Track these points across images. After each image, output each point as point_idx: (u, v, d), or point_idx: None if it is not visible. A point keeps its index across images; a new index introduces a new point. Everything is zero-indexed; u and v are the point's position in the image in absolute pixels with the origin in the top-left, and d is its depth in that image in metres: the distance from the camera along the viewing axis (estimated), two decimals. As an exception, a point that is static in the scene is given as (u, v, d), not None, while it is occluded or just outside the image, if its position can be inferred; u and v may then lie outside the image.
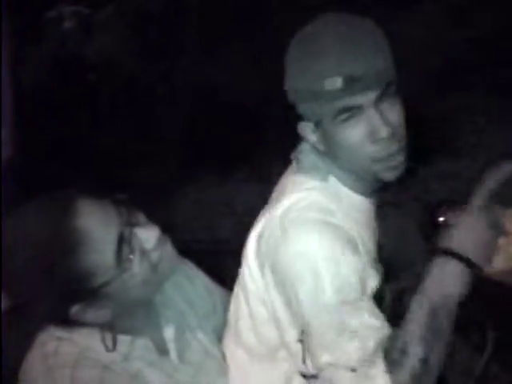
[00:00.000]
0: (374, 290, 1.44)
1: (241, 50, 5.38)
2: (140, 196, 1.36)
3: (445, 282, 1.33)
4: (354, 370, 1.29)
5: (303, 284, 1.32)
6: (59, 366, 1.25)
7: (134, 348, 1.32)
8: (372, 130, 1.35)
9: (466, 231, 1.42)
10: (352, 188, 1.48)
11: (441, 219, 3.62)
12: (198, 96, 5.32)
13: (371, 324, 1.32)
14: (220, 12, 5.58)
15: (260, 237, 1.43)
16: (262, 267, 1.41)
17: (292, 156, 1.53)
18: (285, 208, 1.41)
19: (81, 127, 4.98)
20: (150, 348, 1.35)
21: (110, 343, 1.28)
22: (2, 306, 1.34)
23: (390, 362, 1.30)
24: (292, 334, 1.38)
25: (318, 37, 1.34)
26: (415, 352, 1.30)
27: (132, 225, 1.28)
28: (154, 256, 1.29)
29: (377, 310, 1.37)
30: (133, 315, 1.36)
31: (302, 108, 1.42)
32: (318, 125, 1.40)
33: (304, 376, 1.39)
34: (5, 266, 1.22)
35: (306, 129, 1.45)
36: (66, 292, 1.22)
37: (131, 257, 1.25)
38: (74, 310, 1.24)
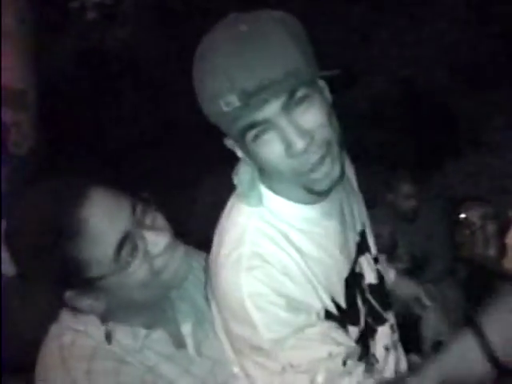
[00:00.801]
0: (333, 302, 1.38)
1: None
2: (162, 186, 1.35)
3: (464, 365, 1.17)
4: None
5: (237, 326, 1.30)
6: (75, 358, 1.25)
7: (150, 341, 1.32)
8: (287, 144, 1.22)
9: (505, 319, 1.15)
10: (292, 199, 1.38)
11: (463, 216, 3.61)
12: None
13: (318, 356, 1.27)
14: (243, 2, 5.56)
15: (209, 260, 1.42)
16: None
17: (234, 178, 1.43)
18: (221, 238, 1.37)
19: (103, 118, 4.99)
20: (167, 341, 1.35)
21: (105, 335, 1.29)
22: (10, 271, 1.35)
23: None
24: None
25: (207, 55, 1.24)
26: None
27: (143, 226, 1.27)
28: (159, 262, 1.28)
29: (332, 332, 1.31)
30: (148, 309, 1.36)
31: (221, 128, 1.31)
32: (237, 142, 1.31)
33: None
34: (12, 235, 1.25)
35: (232, 146, 1.35)
36: (60, 275, 1.23)
37: (129, 259, 1.23)
38: (69, 295, 1.25)
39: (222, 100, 1.19)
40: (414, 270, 3.62)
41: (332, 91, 1.36)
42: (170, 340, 1.36)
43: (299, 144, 1.21)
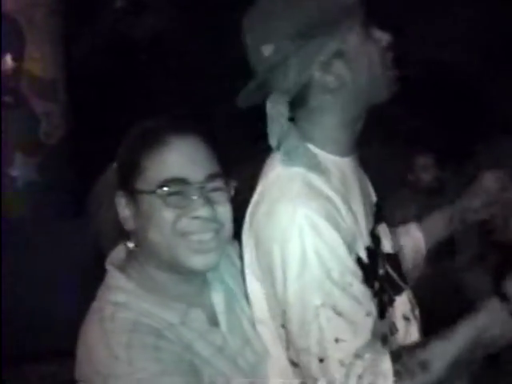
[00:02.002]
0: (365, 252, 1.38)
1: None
2: None
3: (495, 324, 1.23)
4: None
5: (287, 260, 1.29)
6: (115, 331, 1.26)
7: (188, 318, 1.33)
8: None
9: None
10: (329, 150, 1.40)
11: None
12: (247, 73, 5.28)
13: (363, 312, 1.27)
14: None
15: (249, 219, 1.40)
16: (250, 244, 1.38)
17: (269, 139, 1.45)
18: (269, 187, 1.37)
19: (133, 107, 5.02)
20: (202, 319, 1.36)
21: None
22: None
23: (405, 370, 1.25)
24: (278, 319, 1.34)
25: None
26: (436, 373, 1.24)
27: (201, 190, 1.32)
28: (185, 224, 1.30)
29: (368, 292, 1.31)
30: (188, 282, 1.38)
31: (318, 42, 1.34)
32: (325, 65, 1.33)
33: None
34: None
35: (289, 89, 1.38)
36: (122, 172, 1.32)
37: (163, 191, 1.29)
38: (119, 194, 1.31)
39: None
40: (442, 255, 3.59)
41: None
42: (205, 318, 1.37)
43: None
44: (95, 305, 1.33)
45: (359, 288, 1.31)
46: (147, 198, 1.29)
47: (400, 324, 1.49)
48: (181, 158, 1.31)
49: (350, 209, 1.38)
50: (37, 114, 3.32)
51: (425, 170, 3.74)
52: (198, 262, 1.33)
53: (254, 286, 1.43)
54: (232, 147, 4.59)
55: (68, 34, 3.51)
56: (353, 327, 1.25)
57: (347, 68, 1.34)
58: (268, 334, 1.44)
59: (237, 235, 1.42)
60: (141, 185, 1.28)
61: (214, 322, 1.38)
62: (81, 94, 3.67)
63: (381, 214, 1.56)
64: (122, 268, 1.38)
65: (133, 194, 1.30)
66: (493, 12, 5.23)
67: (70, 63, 3.50)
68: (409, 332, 1.49)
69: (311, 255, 1.27)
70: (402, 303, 1.53)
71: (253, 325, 1.46)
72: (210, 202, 1.31)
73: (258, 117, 1.36)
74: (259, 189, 1.41)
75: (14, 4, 3.22)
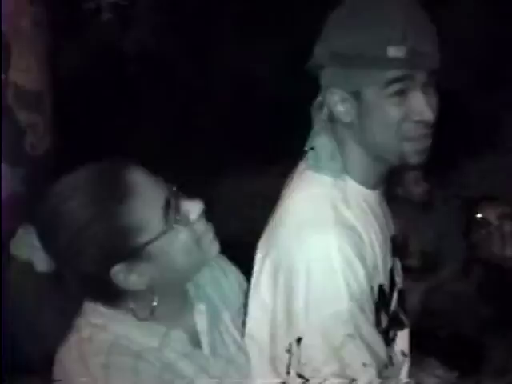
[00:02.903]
0: (377, 287, 1.41)
1: (279, 42, 5.36)
2: (178, 186, 1.37)
3: None
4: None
5: (318, 289, 1.30)
6: (93, 352, 1.26)
7: (169, 339, 1.33)
8: (416, 111, 1.35)
9: None
10: (362, 181, 1.43)
11: (479, 215, 3.59)
12: (236, 88, 5.32)
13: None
14: (258, 4, 5.57)
15: (271, 232, 1.42)
16: (271, 267, 1.39)
17: (306, 146, 1.47)
18: (298, 207, 1.39)
19: (119, 119, 5.01)
20: (184, 340, 1.36)
21: (147, 312, 1.30)
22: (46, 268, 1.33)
23: None
24: (282, 342, 1.34)
25: (388, 5, 1.34)
26: None
27: (177, 197, 1.31)
28: (198, 227, 1.31)
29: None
30: (168, 303, 1.37)
31: (334, 74, 1.38)
32: (355, 94, 1.36)
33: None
34: (56, 210, 1.25)
35: (333, 97, 1.40)
36: (111, 245, 1.23)
37: (178, 218, 1.27)
38: (116, 269, 1.24)
39: (390, 47, 1.30)
40: (426, 269, 3.60)
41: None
42: (187, 339, 1.37)
43: (429, 115, 1.35)
44: (75, 324, 1.32)
45: (373, 318, 1.36)
46: (159, 242, 1.28)
47: (396, 359, 1.51)
48: (151, 185, 1.30)
49: (370, 242, 1.38)
50: (22, 125, 3.30)
51: (416, 183, 3.77)
52: (215, 248, 1.40)
53: (257, 306, 1.42)
54: (219, 160, 4.60)
55: (55, 45, 3.50)
56: (374, 353, 1.29)
57: (358, 111, 1.35)
58: (256, 352, 1.43)
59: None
60: (144, 238, 1.27)
61: (196, 342, 1.37)
62: (67, 106, 3.66)
63: (396, 249, 1.57)
64: None
65: (136, 253, 1.28)
66: (477, 27, 5.29)
67: (56, 75, 3.48)
68: (403, 367, 1.52)
69: (342, 287, 1.29)
70: (402, 338, 1.56)
71: (238, 345, 1.44)
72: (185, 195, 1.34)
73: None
74: (285, 204, 1.42)
75: (-1, 15, 3.20)
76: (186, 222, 1.29)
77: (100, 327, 1.29)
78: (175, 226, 1.27)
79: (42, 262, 1.30)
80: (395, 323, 1.52)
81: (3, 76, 3.17)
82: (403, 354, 1.54)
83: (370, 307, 1.35)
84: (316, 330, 1.28)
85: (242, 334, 1.47)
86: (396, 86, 1.33)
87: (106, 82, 5.29)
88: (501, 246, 3.31)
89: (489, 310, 3.23)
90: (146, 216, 1.24)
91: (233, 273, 1.60)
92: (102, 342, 1.27)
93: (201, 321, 1.41)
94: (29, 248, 1.30)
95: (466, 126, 4.81)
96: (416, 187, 3.73)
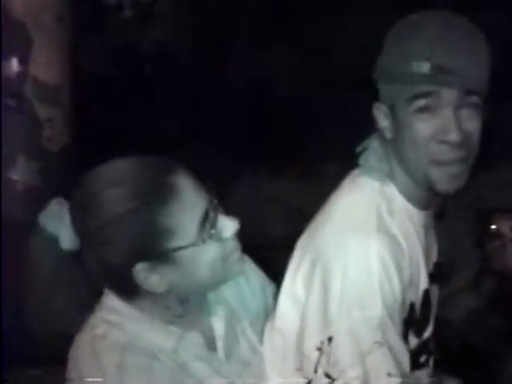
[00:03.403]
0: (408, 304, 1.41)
1: (296, 44, 5.36)
2: (219, 200, 1.39)
3: None
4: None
5: (353, 292, 1.30)
6: (107, 350, 1.26)
7: (184, 341, 1.32)
8: (443, 130, 1.33)
9: None
10: (408, 197, 1.44)
11: (493, 227, 3.57)
12: (251, 90, 5.32)
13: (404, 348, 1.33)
14: (275, 6, 5.56)
15: (313, 231, 1.42)
16: (304, 264, 1.40)
17: (359, 148, 1.49)
18: (343, 209, 1.39)
19: (137, 116, 5.02)
20: (200, 343, 1.35)
21: (162, 315, 1.31)
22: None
23: None
24: (313, 340, 1.34)
25: (419, 23, 1.35)
26: None
27: (216, 210, 1.31)
28: (228, 246, 1.31)
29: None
30: (186, 306, 1.37)
31: (382, 88, 1.41)
32: (391, 109, 1.39)
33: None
34: (96, 194, 1.24)
35: (380, 111, 1.43)
36: (140, 242, 1.23)
37: (212, 232, 1.27)
38: (140, 267, 1.24)
39: (415, 61, 1.30)
40: (438, 279, 3.58)
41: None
42: (203, 342, 1.36)
43: (455, 135, 1.32)
44: (90, 321, 1.31)
45: (400, 328, 1.35)
46: (188, 250, 1.28)
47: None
48: (195, 192, 1.30)
49: (410, 256, 1.38)
50: (40, 119, 3.31)
51: None
52: (241, 267, 1.41)
53: (289, 302, 1.43)
54: (233, 162, 4.60)
55: (75, 40, 3.51)
56: (399, 364, 1.29)
57: (394, 128, 1.38)
58: (281, 347, 1.43)
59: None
60: (175, 243, 1.27)
61: (212, 345, 1.37)
62: (85, 102, 3.68)
63: (437, 276, 1.58)
64: None
65: (163, 256, 1.28)
66: (494, 37, 5.26)
67: (75, 70, 3.50)
68: None
69: (376, 293, 1.29)
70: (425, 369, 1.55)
71: (254, 349, 1.43)
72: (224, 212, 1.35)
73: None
74: (330, 205, 1.43)
75: (22, 7, 3.21)
76: (219, 238, 1.29)
77: (115, 325, 1.29)
78: (208, 240, 1.27)
79: (67, 239, 1.29)
80: (425, 350, 1.51)
81: (21, 68, 3.19)
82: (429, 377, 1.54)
83: (399, 319, 1.35)
84: (346, 332, 1.29)
85: (260, 339, 1.47)
86: (421, 102, 1.32)
87: (124, 79, 5.30)
88: (514, 259, 3.30)
89: (501, 322, 3.22)
90: (182, 223, 1.24)
91: (256, 275, 1.59)
92: (116, 340, 1.26)
93: (218, 325, 1.40)
94: (58, 222, 1.28)
95: (482, 137, 4.79)
96: None
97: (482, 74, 1.33)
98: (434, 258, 1.57)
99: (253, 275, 1.58)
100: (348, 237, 1.34)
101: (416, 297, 1.44)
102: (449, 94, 1.31)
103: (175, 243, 1.24)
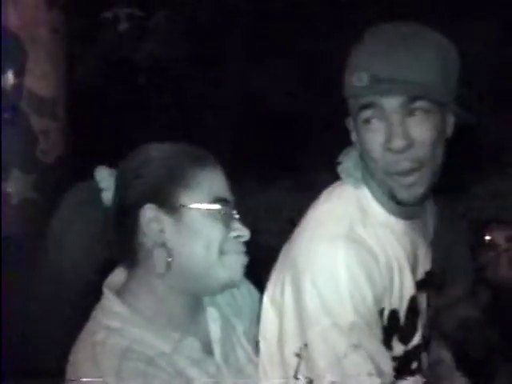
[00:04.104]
0: (388, 313, 1.41)
1: (290, 58, 5.39)
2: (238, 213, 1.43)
3: None
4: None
5: (322, 299, 1.32)
6: (106, 356, 1.27)
7: (181, 346, 1.33)
8: (388, 138, 1.33)
9: None
10: (385, 207, 1.44)
11: (487, 238, 3.58)
12: (245, 102, 5.34)
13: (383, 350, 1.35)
14: (269, 21, 5.60)
15: (292, 239, 1.44)
16: (282, 271, 1.42)
17: (340, 157, 1.51)
18: (317, 218, 1.43)
19: (131, 128, 5.03)
20: (197, 347, 1.36)
21: (163, 267, 1.33)
22: None
23: None
24: (291, 347, 1.36)
25: (366, 36, 1.37)
26: None
27: (233, 214, 1.40)
28: (231, 245, 1.36)
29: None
30: (183, 309, 1.39)
31: (347, 102, 1.43)
32: (353, 122, 1.41)
33: None
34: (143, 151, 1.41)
35: (349, 126, 1.45)
36: (160, 182, 1.34)
37: (219, 209, 1.35)
38: (148, 207, 1.32)
39: (356, 74, 1.32)
40: (429, 287, 3.58)
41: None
42: (200, 346, 1.37)
43: (399, 142, 1.31)
44: (88, 327, 1.33)
45: (379, 333, 1.36)
46: (194, 214, 1.33)
47: None
48: (223, 181, 1.38)
49: (388, 265, 1.39)
50: (35, 131, 3.32)
51: None
52: (236, 275, 1.39)
53: (269, 308, 1.44)
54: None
55: (70, 53, 3.53)
56: (379, 367, 1.30)
57: (357, 140, 1.40)
58: (267, 353, 1.44)
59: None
60: (188, 200, 1.32)
61: (208, 350, 1.38)
62: (80, 114, 3.68)
63: (427, 284, 1.57)
64: (118, 292, 1.38)
65: (172, 208, 1.32)
66: (485, 47, 5.30)
67: (70, 83, 3.51)
68: None
69: (346, 301, 1.31)
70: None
71: (249, 357, 1.45)
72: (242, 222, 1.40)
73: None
74: (310, 212, 1.45)
75: (17, 20, 3.23)
76: (226, 229, 1.35)
77: (115, 330, 1.30)
78: (217, 213, 1.34)
79: (108, 196, 1.39)
80: (416, 357, 1.51)
81: (17, 80, 3.20)
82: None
83: (377, 324, 1.36)
84: (319, 339, 1.30)
85: (255, 347, 1.47)
86: (366, 113, 1.34)
87: (119, 92, 5.31)
88: (509, 269, 3.30)
89: (496, 333, 3.22)
90: (204, 186, 1.33)
91: (245, 285, 1.61)
92: (115, 345, 1.28)
93: (214, 329, 1.42)
94: (106, 176, 1.40)
95: (476, 148, 4.82)
96: None
97: (426, 79, 1.31)
98: (427, 266, 1.57)
99: (242, 286, 1.60)
100: (317, 246, 1.36)
101: (399, 304, 1.44)
102: (391, 103, 1.31)
103: (186, 200, 1.32)
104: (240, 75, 5.49)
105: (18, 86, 3.28)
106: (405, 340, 1.45)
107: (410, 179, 1.35)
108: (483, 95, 4.87)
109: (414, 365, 1.49)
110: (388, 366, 1.33)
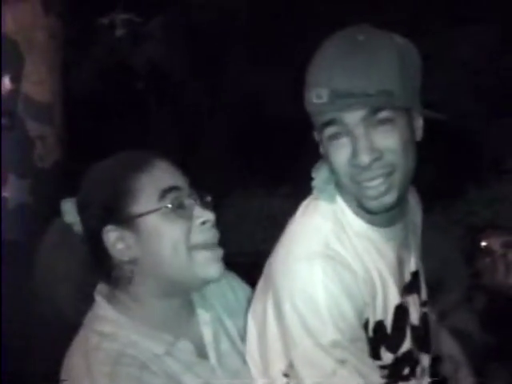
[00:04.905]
0: (373, 324, 1.41)
1: (288, 63, 5.40)
2: (213, 197, 1.42)
3: None
4: None
5: (302, 320, 1.31)
6: (99, 361, 1.27)
7: (175, 349, 1.34)
8: (353, 154, 1.30)
9: None
10: (361, 217, 1.42)
11: (484, 244, 3.59)
12: (244, 108, 5.35)
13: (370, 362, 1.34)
14: (268, 26, 5.60)
15: (272, 254, 1.44)
16: (263, 289, 1.42)
17: (312, 172, 1.50)
18: (292, 234, 1.42)
19: (128, 133, 5.04)
20: (190, 350, 1.37)
21: (125, 280, 1.35)
22: None
23: None
24: (277, 366, 1.35)
25: (322, 49, 1.34)
26: None
27: (196, 199, 1.37)
28: (197, 236, 1.35)
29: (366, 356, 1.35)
30: (173, 312, 1.39)
31: (311, 117, 1.41)
32: (319, 137, 1.39)
33: None
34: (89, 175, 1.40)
35: (317, 136, 1.43)
36: (108, 203, 1.33)
37: (169, 206, 1.32)
38: (108, 229, 1.32)
39: (314, 91, 1.30)
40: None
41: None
42: (193, 350, 1.37)
43: (364, 158, 1.28)
44: (81, 333, 1.33)
45: (365, 346, 1.35)
46: (150, 220, 1.31)
47: None
48: (168, 172, 1.36)
49: (368, 279, 1.38)
50: (31, 136, 3.31)
51: None
52: (214, 270, 1.36)
53: (254, 328, 1.44)
54: (224, 178, 4.61)
55: (67, 59, 3.53)
56: (367, 379, 1.29)
57: (326, 155, 1.37)
58: (256, 372, 1.44)
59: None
60: (138, 208, 1.30)
61: (202, 353, 1.39)
62: (77, 120, 3.69)
63: (415, 285, 1.56)
64: (110, 298, 1.38)
65: (128, 222, 1.29)
66: (485, 53, 5.31)
67: (67, 88, 3.51)
68: None
69: (326, 320, 1.29)
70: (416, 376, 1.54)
71: (243, 360, 1.46)
72: (206, 206, 1.37)
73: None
74: (287, 228, 1.44)
75: (13, 25, 3.23)
76: (186, 222, 1.33)
77: (107, 336, 1.30)
78: (167, 207, 1.31)
79: (78, 228, 1.39)
80: (407, 362, 1.51)
81: (14, 86, 3.19)
82: None
83: (360, 336, 1.35)
84: (303, 359, 1.30)
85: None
86: (329, 130, 1.32)
87: (116, 97, 5.32)
88: (505, 275, 3.31)
89: (491, 339, 3.22)
90: (146, 189, 1.31)
91: (242, 290, 1.61)
92: (109, 351, 1.28)
93: (207, 331, 1.42)
94: (70, 213, 1.39)
95: (472, 154, 4.82)
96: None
97: (386, 88, 1.27)
98: (412, 268, 1.57)
99: (239, 290, 1.60)
100: (293, 264, 1.35)
101: (384, 315, 1.43)
102: (352, 117, 1.28)
103: (137, 209, 1.31)
104: (239, 81, 5.50)
105: (15, 92, 3.27)
106: (393, 348, 1.45)
107: (382, 187, 1.32)
108: (482, 101, 4.89)
109: (406, 370, 1.49)
110: (376, 377, 1.32)
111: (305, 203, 1.49)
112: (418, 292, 1.59)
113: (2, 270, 2.86)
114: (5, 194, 3.15)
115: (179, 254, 1.33)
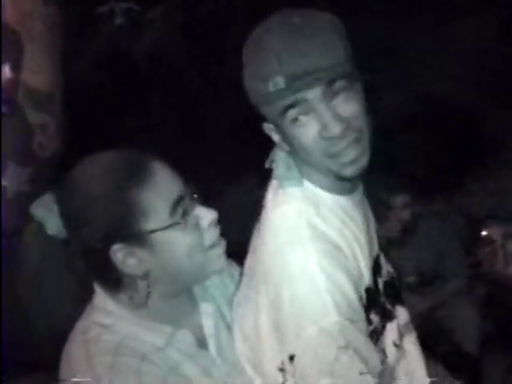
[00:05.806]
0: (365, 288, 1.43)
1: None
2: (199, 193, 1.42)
3: None
4: None
5: (305, 306, 1.31)
6: (100, 353, 1.27)
7: (175, 340, 1.34)
8: (323, 127, 1.33)
9: None
10: (326, 188, 1.45)
11: (484, 233, 3.60)
12: (243, 98, 5.31)
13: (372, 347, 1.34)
14: (267, 14, 5.58)
15: (253, 253, 1.44)
16: (256, 286, 1.41)
17: (267, 163, 1.53)
18: (274, 225, 1.42)
19: (129, 123, 5.03)
20: (191, 341, 1.37)
21: (143, 298, 1.31)
22: None
23: None
24: (273, 363, 1.35)
25: (262, 39, 1.37)
26: None
27: (193, 200, 1.35)
28: (208, 236, 1.34)
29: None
30: (174, 304, 1.39)
31: (261, 110, 1.43)
32: (276, 126, 1.41)
33: None
34: (76, 179, 1.32)
35: (270, 130, 1.46)
36: (116, 222, 1.26)
37: (186, 217, 1.30)
38: (116, 248, 1.27)
39: (270, 80, 1.31)
40: (422, 286, 3.60)
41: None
42: (193, 340, 1.38)
43: (335, 128, 1.32)
44: (81, 324, 1.33)
45: (364, 326, 1.36)
46: (161, 234, 1.28)
47: (389, 350, 1.52)
48: (170, 180, 1.33)
49: (352, 252, 1.40)
50: (31, 125, 3.31)
51: (405, 207, 3.73)
52: (223, 263, 1.39)
53: (248, 324, 1.44)
54: (226, 168, 4.61)
55: (67, 48, 3.52)
56: (368, 363, 1.29)
57: (286, 141, 1.42)
58: (251, 369, 1.45)
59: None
60: (149, 225, 1.27)
61: (202, 344, 1.39)
62: (77, 109, 3.68)
63: (378, 268, 1.58)
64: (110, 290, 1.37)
65: (138, 238, 1.27)
66: (487, 46, 5.29)
67: (67, 77, 3.50)
68: (399, 359, 1.52)
69: (328, 304, 1.29)
70: (392, 330, 1.57)
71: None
72: (200, 202, 1.38)
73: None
74: (263, 221, 1.45)
75: (13, 14, 3.22)
76: (196, 227, 1.32)
77: (107, 327, 1.30)
78: (181, 222, 1.28)
79: (53, 226, 1.33)
80: (383, 316, 1.53)
81: (14, 74, 3.19)
82: (395, 345, 1.54)
83: (360, 316, 1.36)
84: (307, 349, 1.29)
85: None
86: (292, 113, 1.35)
87: (116, 86, 5.30)
88: (504, 265, 3.32)
89: (490, 328, 3.23)
90: (154, 205, 1.27)
91: (239, 274, 1.61)
92: (108, 342, 1.28)
93: (207, 322, 1.42)
94: (45, 210, 1.33)
95: (474, 145, 4.81)
96: (405, 211, 3.66)
97: (336, 60, 1.32)
98: (372, 225, 1.60)
99: (236, 273, 1.60)
100: (286, 255, 1.36)
101: (369, 280, 1.46)
102: (313, 94, 1.32)
103: (149, 226, 1.27)
104: (239, 70, 5.48)
105: (15, 80, 3.27)
106: (377, 307, 1.47)
107: (354, 153, 1.36)
108: (483, 93, 4.88)
109: (379, 327, 1.50)
110: (376, 361, 1.33)
111: (270, 195, 1.50)
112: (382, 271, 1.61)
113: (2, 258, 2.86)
114: (4, 182, 3.15)
115: (195, 259, 1.33)
